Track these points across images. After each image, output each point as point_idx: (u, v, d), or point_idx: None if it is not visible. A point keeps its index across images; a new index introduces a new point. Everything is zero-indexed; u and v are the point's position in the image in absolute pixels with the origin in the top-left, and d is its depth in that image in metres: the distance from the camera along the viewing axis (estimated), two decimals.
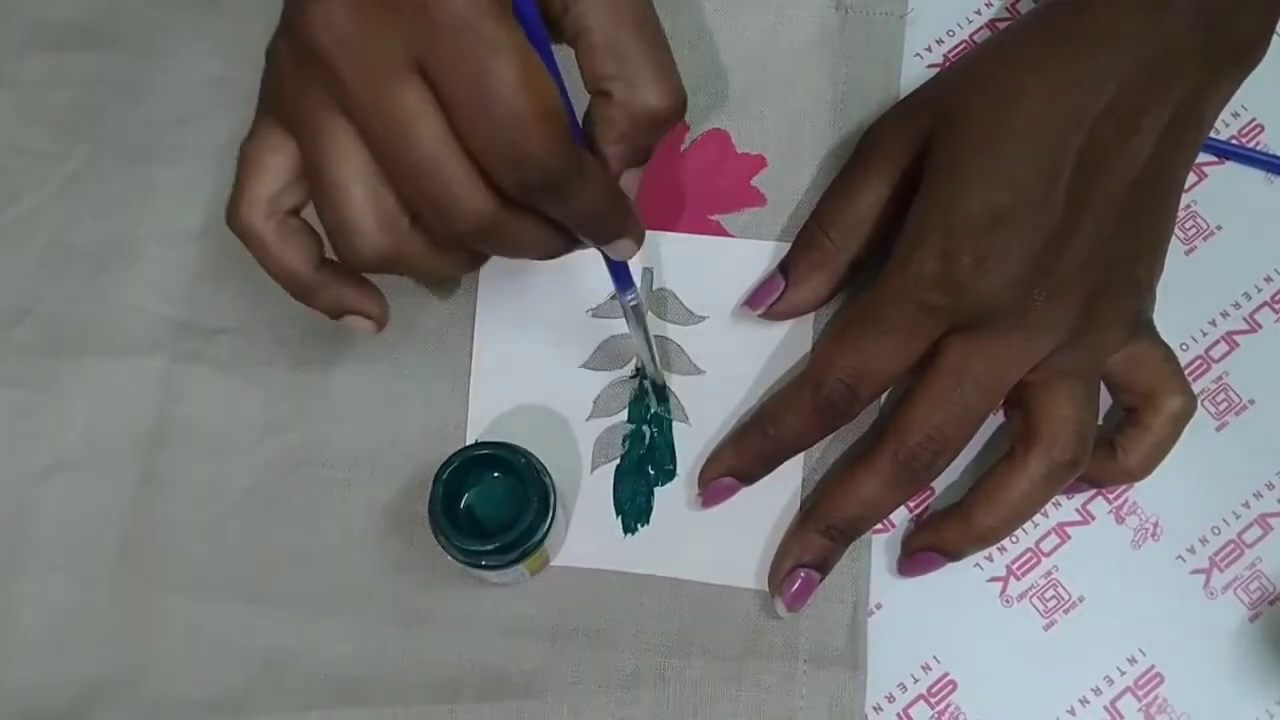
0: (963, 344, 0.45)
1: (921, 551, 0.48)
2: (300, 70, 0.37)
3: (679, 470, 0.50)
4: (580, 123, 0.40)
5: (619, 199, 0.41)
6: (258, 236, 0.40)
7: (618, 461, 0.50)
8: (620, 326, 0.51)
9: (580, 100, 0.40)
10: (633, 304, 0.46)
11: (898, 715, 0.48)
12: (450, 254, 0.40)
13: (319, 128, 0.37)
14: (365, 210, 0.37)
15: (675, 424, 0.50)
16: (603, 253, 0.43)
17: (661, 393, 0.50)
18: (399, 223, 0.38)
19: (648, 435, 0.50)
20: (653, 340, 0.48)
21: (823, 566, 0.47)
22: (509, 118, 0.35)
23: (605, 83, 0.40)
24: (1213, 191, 0.52)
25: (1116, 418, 0.48)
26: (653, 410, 0.50)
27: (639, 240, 0.42)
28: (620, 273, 0.45)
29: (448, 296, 0.49)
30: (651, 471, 0.50)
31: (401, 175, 0.37)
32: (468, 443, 0.50)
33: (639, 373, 0.51)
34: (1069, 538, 0.50)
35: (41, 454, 0.50)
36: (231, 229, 0.40)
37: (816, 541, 0.47)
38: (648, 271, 0.52)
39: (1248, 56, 0.47)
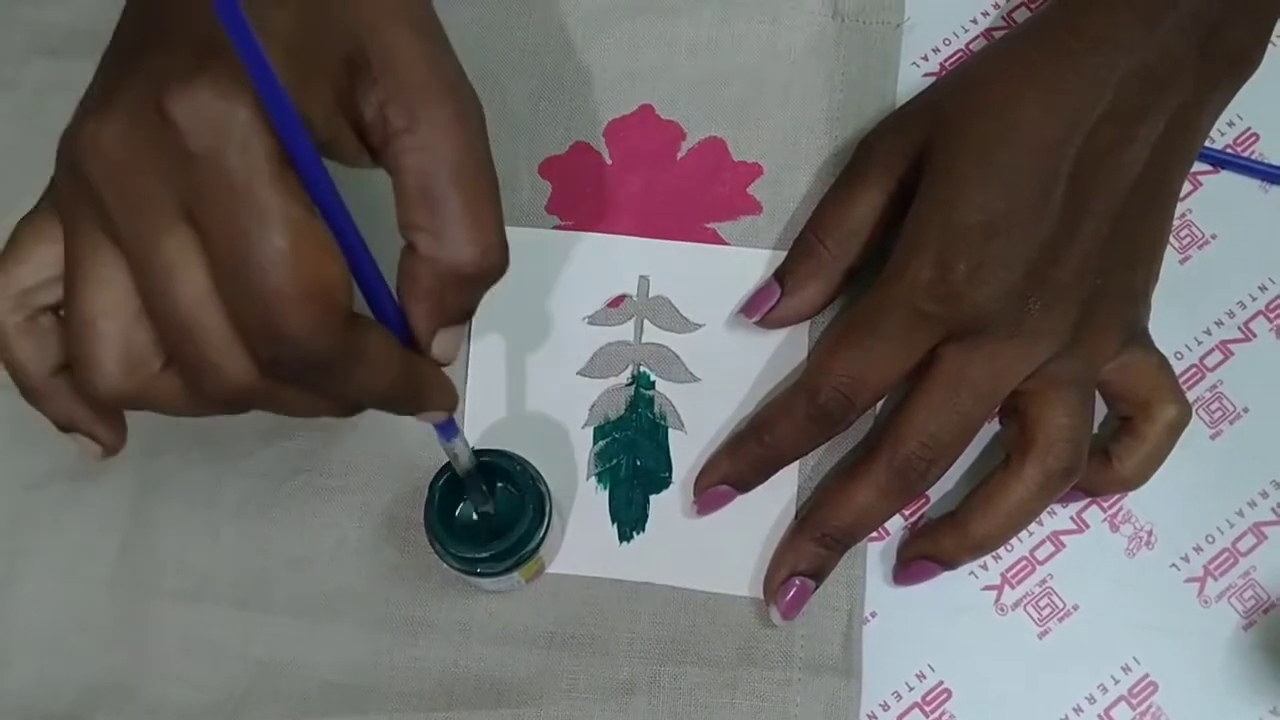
0: (958, 352, 0.45)
1: (917, 560, 0.48)
2: (73, 181, 0.34)
3: (674, 478, 0.50)
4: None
5: (414, 374, 0.36)
6: None
7: (612, 469, 0.50)
8: (617, 334, 0.51)
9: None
10: (454, 453, 0.42)
11: None
12: (204, 405, 0.35)
13: (83, 247, 0.34)
14: (111, 347, 0.34)
15: (671, 431, 0.50)
16: None
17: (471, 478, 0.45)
18: (147, 365, 0.34)
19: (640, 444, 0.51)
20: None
21: (818, 575, 0.47)
22: (269, 294, 0.31)
23: (411, 233, 0.35)
24: (1208, 200, 0.53)
25: (1111, 426, 0.48)
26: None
27: (448, 408, 0.39)
28: (441, 426, 0.41)
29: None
30: (637, 481, 0.50)
31: (159, 323, 0.33)
32: None
33: (635, 380, 0.51)
34: (1063, 546, 0.50)
35: (40, 458, 0.50)
36: None
37: (811, 550, 0.47)
38: (644, 279, 0.52)
39: (1243, 66, 0.47)
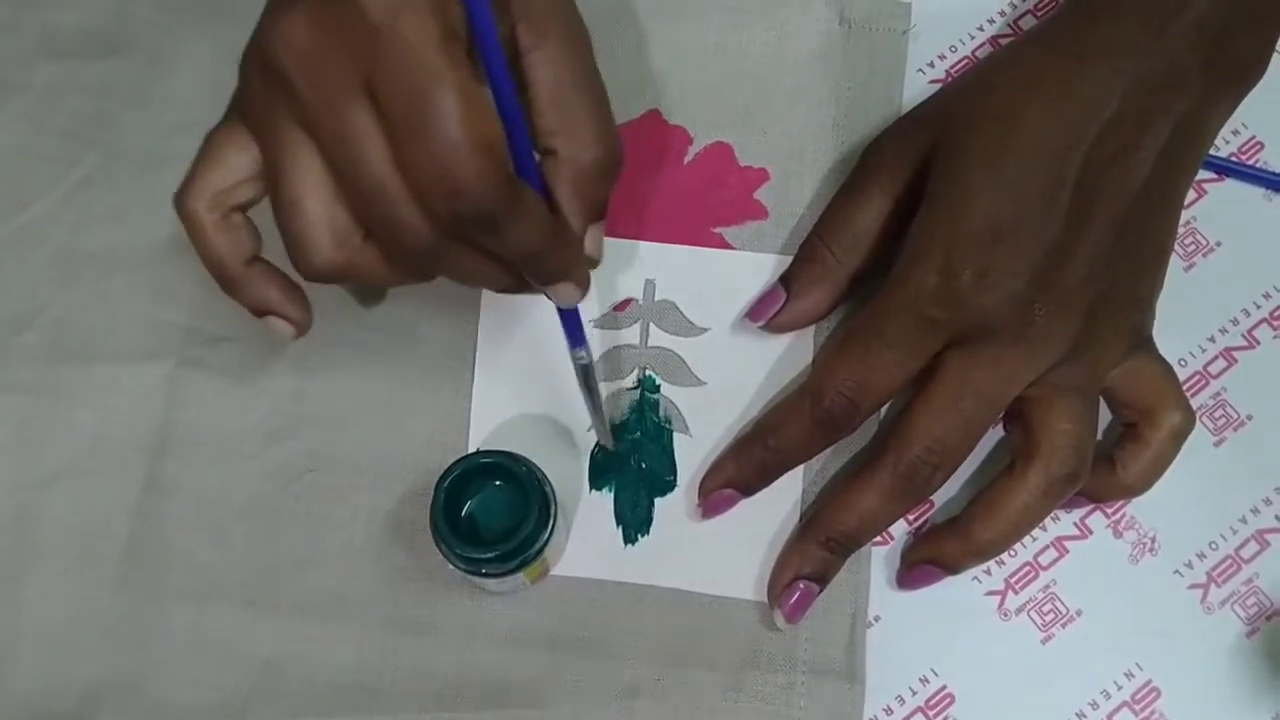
0: (963, 357, 0.45)
1: (920, 564, 0.48)
2: (264, 82, 0.38)
3: (679, 481, 0.50)
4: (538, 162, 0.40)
5: (561, 241, 0.40)
6: (197, 223, 0.41)
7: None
8: (623, 337, 0.51)
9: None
10: (582, 363, 0.45)
11: None
12: (401, 269, 0.40)
13: (279, 140, 0.38)
14: (319, 225, 0.38)
15: (676, 435, 0.51)
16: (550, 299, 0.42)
17: (610, 459, 0.50)
18: (351, 238, 0.39)
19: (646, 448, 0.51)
20: (601, 405, 0.48)
21: (822, 578, 0.47)
22: (444, 146, 0.35)
23: (550, 139, 0.41)
24: (1212, 208, 0.53)
25: (1116, 433, 0.49)
26: (603, 474, 0.50)
27: (583, 287, 0.42)
28: (569, 323, 0.44)
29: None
30: (642, 484, 0.50)
31: (352, 194, 0.38)
32: (469, 451, 0.50)
33: (640, 384, 0.51)
34: (1067, 552, 0.50)
35: (47, 459, 0.51)
36: (176, 210, 0.42)
37: (816, 553, 0.47)
38: (650, 283, 0.52)
39: (1248, 75, 0.47)
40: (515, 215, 0.37)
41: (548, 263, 0.40)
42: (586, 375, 0.46)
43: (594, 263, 0.43)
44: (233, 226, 0.42)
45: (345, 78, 0.36)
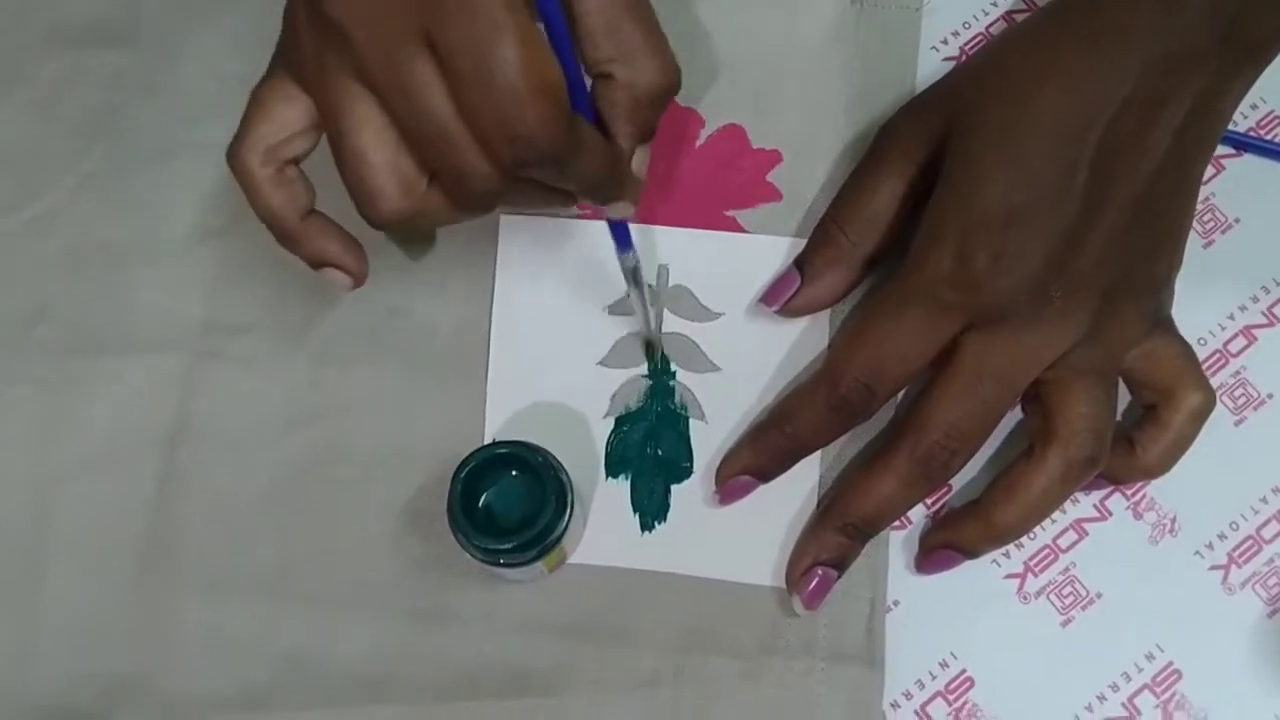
0: (980, 341, 0.45)
1: (939, 549, 0.48)
2: (316, 35, 0.38)
3: (696, 468, 0.50)
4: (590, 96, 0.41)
5: (615, 166, 0.42)
6: (253, 179, 0.41)
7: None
8: (637, 323, 0.51)
9: None
10: (632, 264, 0.46)
11: (915, 712, 0.48)
12: (466, 209, 0.41)
13: (336, 93, 0.38)
14: (385, 175, 0.39)
15: (692, 421, 0.50)
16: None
17: (653, 354, 0.51)
18: (417, 185, 0.39)
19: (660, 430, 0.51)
20: (649, 300, 0.48)
21: (840, 564, 0.47)
22: (507, 94, 0.35)
23: (606, 65, 0.41)
24: (1231, 184, 0.52)
25: (1135, 414, 0.48)
26: (651, 371, 0.51)
27: (635, 200, 0.44)
28: (619, 232, 0.45)
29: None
30: (658, 471, 0.50)
31: (417, 144, 0.38)
32: (485, 441, 0.50)
33: (655, 371, 0.51)
34: (1087, 534, 0.50)
35: (62, 454, 0.51)
36: (230, 166, 0.42)
37: (834, 539, 0.47)
38: (663, 268, 0.52)
39: (1265, 51, 0.47)
40: (577, 154, 0.38)
41: (605, 189, 0.42)
42: (635, 275, 0.47)
43: (640, 180, 0.44)
44: (287, 180, 0.42)
45: (404, 30, 0.36)
